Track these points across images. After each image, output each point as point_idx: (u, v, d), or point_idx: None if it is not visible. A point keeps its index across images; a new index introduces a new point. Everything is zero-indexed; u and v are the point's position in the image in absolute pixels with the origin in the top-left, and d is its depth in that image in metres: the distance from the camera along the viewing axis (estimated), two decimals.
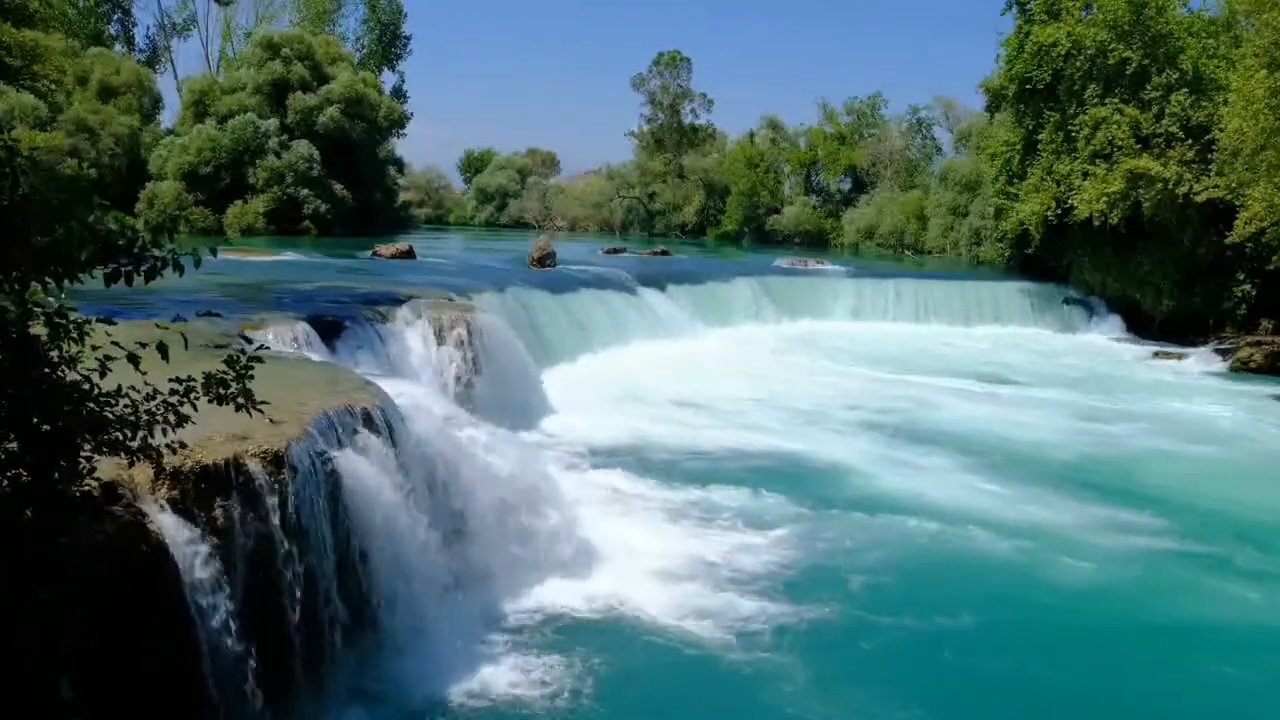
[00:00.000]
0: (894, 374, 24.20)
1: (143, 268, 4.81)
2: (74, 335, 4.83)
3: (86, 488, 5.39)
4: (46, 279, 4.79)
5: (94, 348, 4.96)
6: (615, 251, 43.76)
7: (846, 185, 65.89)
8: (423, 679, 8.11)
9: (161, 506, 6.26)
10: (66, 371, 4.96)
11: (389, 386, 10.01)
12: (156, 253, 4.86)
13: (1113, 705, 8.75)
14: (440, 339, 15.96)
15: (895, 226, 56.41)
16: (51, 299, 4.82)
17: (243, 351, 5.56)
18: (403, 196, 62.85)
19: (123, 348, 4.93)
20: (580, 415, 17.54)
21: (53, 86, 34.25)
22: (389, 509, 8.28)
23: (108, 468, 5.63)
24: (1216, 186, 27.76)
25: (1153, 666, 9.42)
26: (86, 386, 4.98)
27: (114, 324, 5.04)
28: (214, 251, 5.07)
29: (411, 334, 15.79)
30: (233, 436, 6.98)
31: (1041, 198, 33.12)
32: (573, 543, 10.67)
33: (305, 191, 48.34)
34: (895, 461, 15.95)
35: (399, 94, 66.17)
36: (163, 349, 4.99)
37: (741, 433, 17.29)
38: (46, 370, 4.85)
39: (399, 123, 56.74)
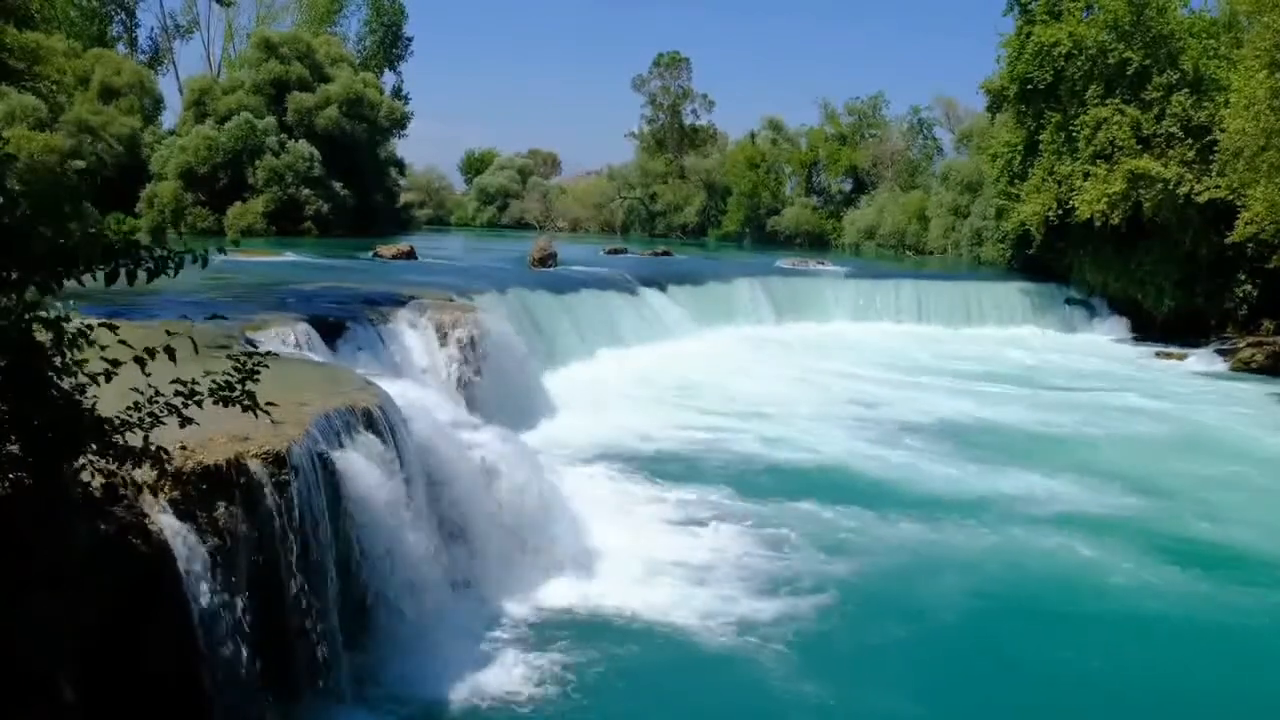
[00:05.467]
0: (894, 373, 24.19)
1: (145, 266, 4.82)
2: (73, 339, 4.83)
3: (87, 488, 5.39)
4: (48, 281, 4.79)
5: (101, 346, 4.95)
6: (616, 252, 43.75)
7: (847, 186, 65.90)
8: (424, 679, 8.11)
9: (162, 507, 6.26)
10: (70, 376, 4.96)
11: (390, 387, 10.02)
12: (159, 251, 4.87)
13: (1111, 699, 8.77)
14: (442, 340, 15.95)
15: (896, 227, 56.37)
16: (57, 305, 4.83)
17: (249, 355, 5.56)
18: (404, 197, 62.81)
19: (131, 347, 4.93)
20: (581, 416, 17.54)
21: (54, 87, 34.28)
22: (390, 509, 8.28)
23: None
24: (1218, 187, 27.72)
25: (1152, 664, 9.42)
26: (87, 393, 4.98)
27: (116, 329, 5.04)
28: (222, 250, 5.07)
29: (413, 334, 15.79)
30: (234, 437, 6.98)
31: (1043, 198, 33.09)
32: (573, 543, 10.68)
33: (306, 192, 48.24)
34: (896, 458, 15.94)
35: (399, 95, 66.13)
36: (170, 352, 5.01)
37: (743, 433, 17.29)
38: (48, 372, 4.85)
39: (399, 123, 56.65)
